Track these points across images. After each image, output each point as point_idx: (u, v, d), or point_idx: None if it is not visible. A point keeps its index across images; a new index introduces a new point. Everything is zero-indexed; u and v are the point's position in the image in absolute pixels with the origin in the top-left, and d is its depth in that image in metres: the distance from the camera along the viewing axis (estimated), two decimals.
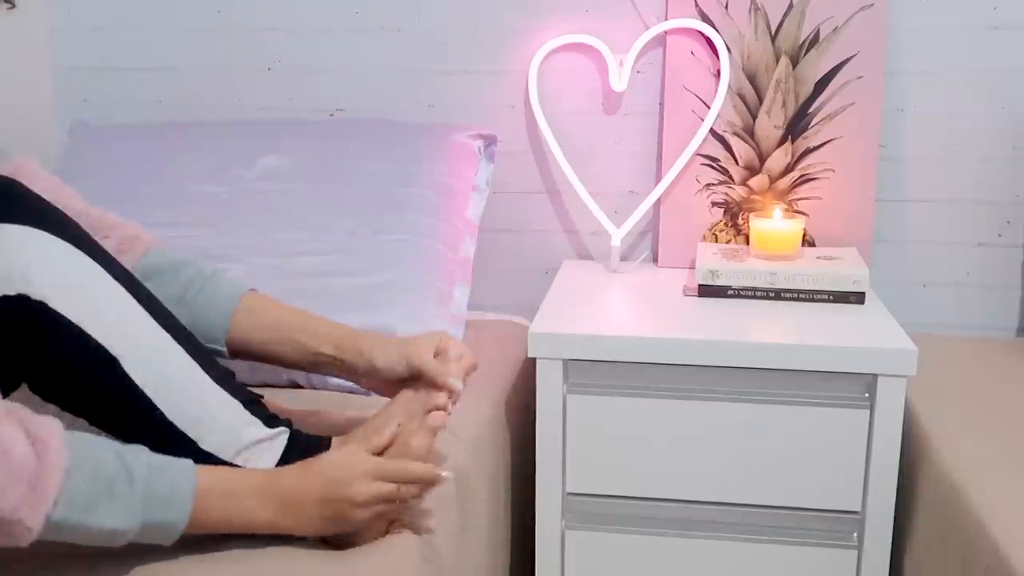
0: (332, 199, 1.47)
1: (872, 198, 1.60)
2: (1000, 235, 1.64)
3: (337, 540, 0.96)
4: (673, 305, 1.46)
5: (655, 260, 1.70)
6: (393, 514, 0.99)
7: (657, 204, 1.67)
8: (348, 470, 0.93)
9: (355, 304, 1.35)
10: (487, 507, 1.29)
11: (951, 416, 1.29)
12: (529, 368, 1.48)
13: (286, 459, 0.97)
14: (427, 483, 0.97)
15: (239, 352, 1.07)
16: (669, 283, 1.57)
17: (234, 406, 0.95)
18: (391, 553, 0.96)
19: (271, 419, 0.98)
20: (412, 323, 1.34)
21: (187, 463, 0.88)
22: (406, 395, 1.03)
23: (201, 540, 0.92)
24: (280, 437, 0.98)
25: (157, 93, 1.78)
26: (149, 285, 0.99)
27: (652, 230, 1.72)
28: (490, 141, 1.58)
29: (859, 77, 1.58)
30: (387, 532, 0.99)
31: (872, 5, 1.56)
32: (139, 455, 0.86)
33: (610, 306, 1.49)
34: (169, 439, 0.92)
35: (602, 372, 1.33)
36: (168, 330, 0.94)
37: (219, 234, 1.45)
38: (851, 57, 1.57)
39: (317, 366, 1.07)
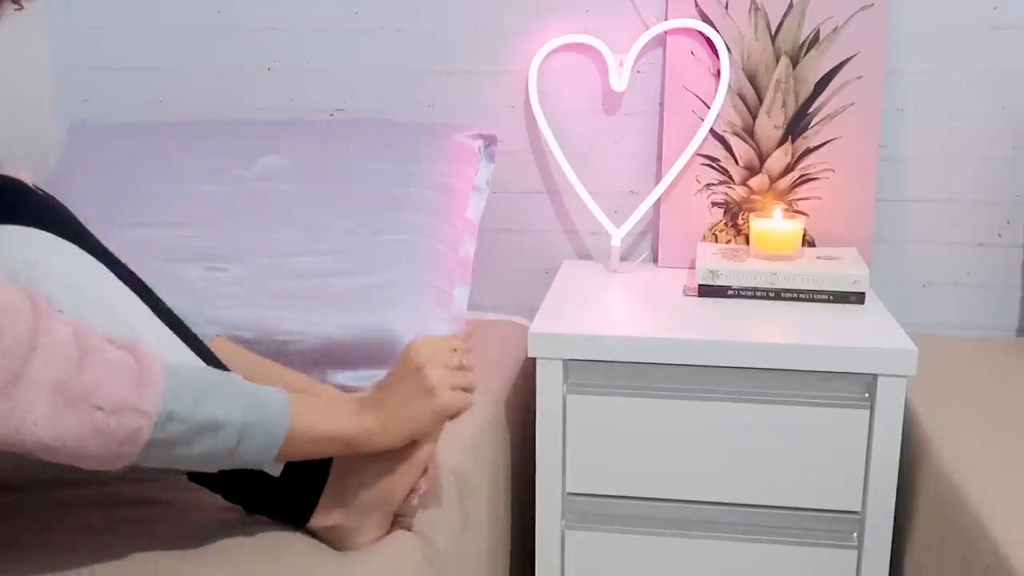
0: (332, 199, 1.47)
1: (872, 198, 1.60)
2: (1000, 235, 1.64)
3: (336, 543, 0.97)
4: (673, 305, 1.46)
5: (655, 260, 1.70)
6: (462, 381, 0.98)
7: (657, 204, 1.67)
8: (404, 349, 0.96)
9: (355, 304, 1.35)
10: (487, 507, 1.29)
11: (951, 416, 1.29)
12: (529, 368, 1.48)
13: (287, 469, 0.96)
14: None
15: None
16: (669, 283, 1.57)
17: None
18: (392, 553, 0.97)
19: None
20: (412, 323, 1.34)
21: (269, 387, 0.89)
22: None
23: (202, 540, 0.92)
24: None
25: (157, 93, 1.78)
26: None
27: (652, 230, 1.72)
28: (490, 141, 1.58)
29: (859, 77, 1.58)
30: (388, 532, 0.99)
31: (872, 5, 1.56)
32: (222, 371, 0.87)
33: (610, 306, 1.49)
34: None
35: (602, 372, 1.33)
36: (172, 327, 0.94)
37: (219, 234, 1.45)
38: (851, 57, 1.57)
39: None
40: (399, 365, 0.95)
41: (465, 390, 0.97)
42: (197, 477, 0.96)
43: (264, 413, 0.85)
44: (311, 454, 0.91)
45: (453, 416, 0.97)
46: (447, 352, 0.97)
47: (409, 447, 0.97)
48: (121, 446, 0.77)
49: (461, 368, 0.97)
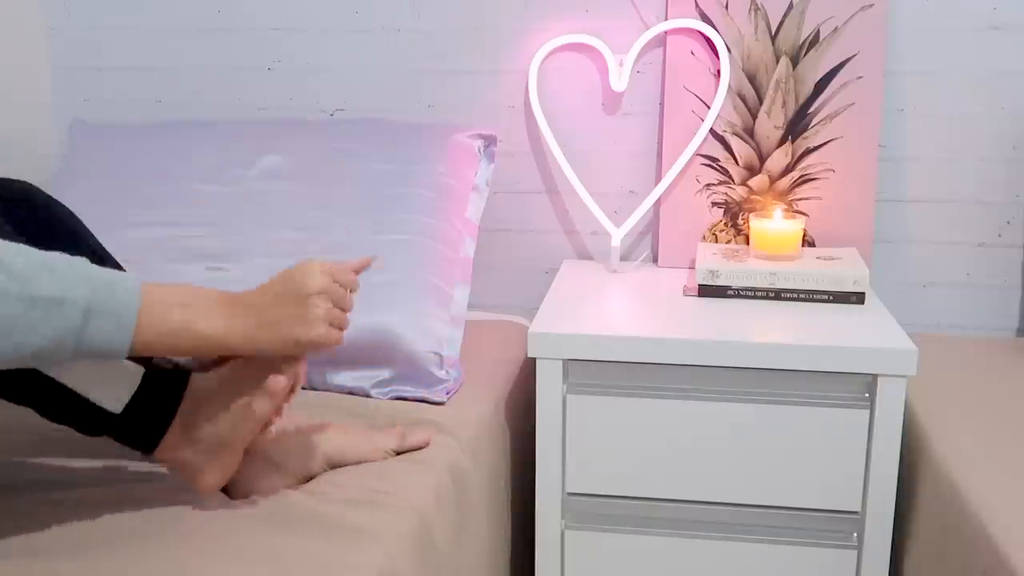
0: (332, 199, 1.47)
1: (872, 198, 1.60)
2: (1000, 235, 1.64)
3: (187, 478, 0.99)
4: (673, 305, 1.46)
5: (655, 260, 1.70)
6: (339, 320, 0.98)
7: (657, 204, 1.67)
8: (301, 267, 0.95)
9: (355, 304, 1.35)
10: (486, 507, 1.29)
11: (951, 416, 1.29)
12: (529, 368, 1.49)
13: (141, 396, 0.97)
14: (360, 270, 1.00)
15: None
16: (669, 283, 1.57)
17: None
18: (390, 552, 0.96)
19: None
20: (412, 323, 1.34)
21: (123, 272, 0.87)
22: None
23: (201, 537, 0.92)
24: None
25: (157, 93, 1.78)
26: None
27: (652, 230, 1.72)
28: (490, 141, 1.58)
29: (859, 77, 1.58)
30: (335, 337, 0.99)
31: (872, 5, 1.56)
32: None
33: (610, 306, 1.49)
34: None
35: (602, 372, 1.33)
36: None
37: (219, 234, 1.45)
38: (851, 57, 1.57)
39: None
40: (287, 282, 0.94)
41: (340, 327, 0.97)
42: (43, 411, 0.95)
43: (113, 293, 0.83)
44: (168, 348, 0.89)
45: (317, 351, 0.96)
46: (338, 288, 0.97)
47: (260, 385, 0.97)
48: None
49: (343, 308, 0.98)
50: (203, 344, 0.91)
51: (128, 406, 0.96)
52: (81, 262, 0.84)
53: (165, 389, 0.98)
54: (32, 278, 0.79)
